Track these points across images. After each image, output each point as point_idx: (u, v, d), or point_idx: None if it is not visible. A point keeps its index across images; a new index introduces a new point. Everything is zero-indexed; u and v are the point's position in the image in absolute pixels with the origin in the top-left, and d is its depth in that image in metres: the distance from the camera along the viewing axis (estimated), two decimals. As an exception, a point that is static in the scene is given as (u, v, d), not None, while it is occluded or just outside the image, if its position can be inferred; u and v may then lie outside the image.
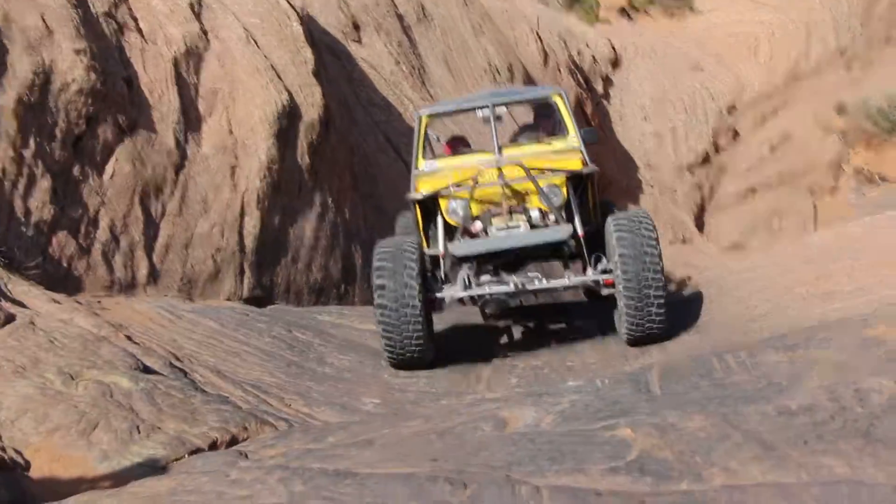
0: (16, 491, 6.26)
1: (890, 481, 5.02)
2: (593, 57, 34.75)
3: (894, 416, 5.57)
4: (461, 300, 10.26)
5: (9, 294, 9.07)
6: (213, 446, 7.34)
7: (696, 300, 12.67)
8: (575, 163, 10.56)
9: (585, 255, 10.25)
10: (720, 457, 5.42)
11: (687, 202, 35.10)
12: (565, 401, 6.73)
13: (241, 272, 13.17)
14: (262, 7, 15.78)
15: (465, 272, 10.03)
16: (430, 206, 10.70)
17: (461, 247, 10.00)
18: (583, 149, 11.06)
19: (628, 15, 42.05)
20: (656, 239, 9.73)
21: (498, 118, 11.23)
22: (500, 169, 10.18)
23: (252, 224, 13.45)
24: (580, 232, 10.16)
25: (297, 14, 16.43)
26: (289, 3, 16.46)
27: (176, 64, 13.42)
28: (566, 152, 10.99)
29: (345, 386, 9.79)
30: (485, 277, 10.12)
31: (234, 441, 7.48)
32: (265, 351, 10.49)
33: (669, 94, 37.01)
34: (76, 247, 11.20)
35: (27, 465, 6.77)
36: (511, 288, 9.91)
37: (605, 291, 10.16)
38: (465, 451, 5.96)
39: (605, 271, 10.02)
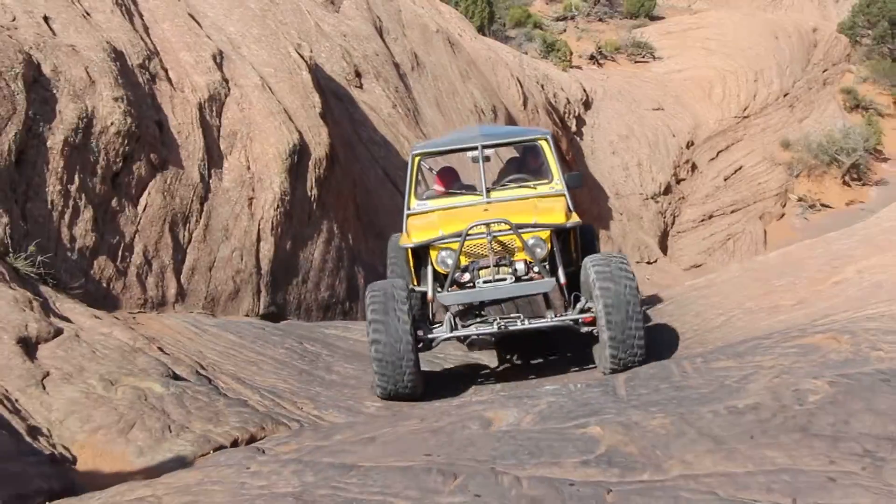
0: (65, 481, 6.36)
1: (824, 469, 5.14)
2: (567, 99, 34.81)
3: (828, 413, 5.67)
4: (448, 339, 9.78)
5: (57, 311, 9.08)
6: (235, 444, 7.39)
7: (660, 315, 12.71)
8: (558, 215, 9.96)
9: (566, 296, 9.75)
10: (678, 450, 5.50)
11: (652, 227, 35.14)
12: (543, 402, 6.80)
13: (258, 291, 13.14)
14: (276, 58, 15.84)
15: (450, 315, 9.58)
16: (420, 252, 10.15)
17: (449, 297, 9.46)
18: (567, 194, 10.56)
19: (598, 61, 42.19)
20: (633, 278, 9.23)
21: (486, 159, 10.76)
22: (488, 225, 9.51)
23: (267, 248, 13.43)
24: (562, 280, 9.68)
25: (306, 64, 16.47)
26: (299, 54, 16.51)
27: (200, 108, 13.46)
28: (550, 198, 10.48)
29: (350, 391, 9.79)
30: (469, 319, 9.66)
31: (252, 439, 7.53)
32: (279, 360, 10.47)
33: (635, 131, 37.10)
34: (114, 269, 11.18)
35: (74, 460, 6.85)
36: (495, 329, 9.37)
37: (584, 329, 9.49)
38: (455, 446, 6.02)
39: (583, 310, 9.46)
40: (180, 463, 6.81)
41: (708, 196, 37.94)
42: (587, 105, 36.01)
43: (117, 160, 11.74)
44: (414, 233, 10.00)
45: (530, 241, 9.46)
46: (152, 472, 6.61)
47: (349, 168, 16.34)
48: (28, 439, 6.71)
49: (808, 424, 5.58)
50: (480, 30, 35.89)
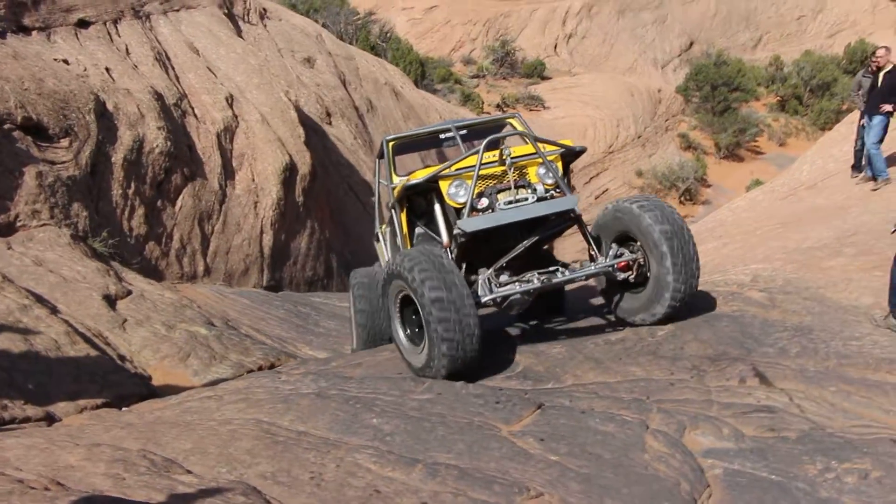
0: (149, 389, 6.85)
1: (667, 378, 5.81)
2: (479, 136, 34.96)
3: (669, 342, 6.35)
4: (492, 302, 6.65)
5: (124, 279, 9.46)
6: (260, 369, 7.84)
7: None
8: (565, 142, 7.37)
9: (589, 235, 7.07)
10: (570, 368, 6.17)
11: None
12: None
13: (262, 270, 13.47)
14: (271, 100, 16.10)
15: (484, 276, 6.66)
16: (415, 203, 7.45)
17: (472, 222, 6.54)
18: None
19: (502, 109, 42.53)
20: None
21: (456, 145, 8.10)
22: (501, 140, 7.08)
23: (268, 239, 13.78)
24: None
25: (293, 105, 16.77)
26: (287, 98, 16.80)
27: (218, 136, 13.81)
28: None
29: (333, 339, 10.17)
30: (503, 278, 6.71)
31: (272, 366, 7.96)
32: (281, 318, 10.83)
33: (529, 161, 37.43)
34: (160, 251, 11.54)
35: (150, 378, 7.28)
36: (538, 284, 6.57)
37: (621, 276, 6.81)
38: None
39: (616, 256, 6.87)
40: (225, 380, 7.18)
41: (584, 210, 38.50)
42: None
43: (160, 172, 12.10)
44: (413, 178, 7.02)
45: (547, 165, 6.94)
46: (206, 386, 6.99)
47: (325, 182, 16.64)
48: (119, 363, 7.12)
49: (657, 349, 6.27)
50: (416, 83, 36.22)
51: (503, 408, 5.46)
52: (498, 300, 6.54)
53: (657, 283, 6.60)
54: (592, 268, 6.78)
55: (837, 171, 13.46)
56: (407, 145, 8.18)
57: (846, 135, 15.24)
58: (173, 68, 14.46)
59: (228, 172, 13.68)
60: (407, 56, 43.51)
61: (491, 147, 6.93)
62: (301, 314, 11.33)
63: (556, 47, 57.48)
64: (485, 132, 8.21)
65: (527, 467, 4.64)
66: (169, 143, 12.22)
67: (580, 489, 4.45)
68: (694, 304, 6.98)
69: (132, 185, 11.37)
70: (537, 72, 52.17)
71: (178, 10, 16.29)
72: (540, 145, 6.95)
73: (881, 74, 11.56)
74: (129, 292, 8.86)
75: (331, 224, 16.17)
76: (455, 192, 6.73)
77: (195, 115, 13.70)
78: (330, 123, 20.05)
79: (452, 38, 57.66)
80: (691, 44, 60.92)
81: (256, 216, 13.65)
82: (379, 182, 8.43)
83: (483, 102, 42.27)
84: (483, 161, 6.76)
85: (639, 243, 6.74)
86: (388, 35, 49.02)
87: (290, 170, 14.67)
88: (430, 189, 6.97)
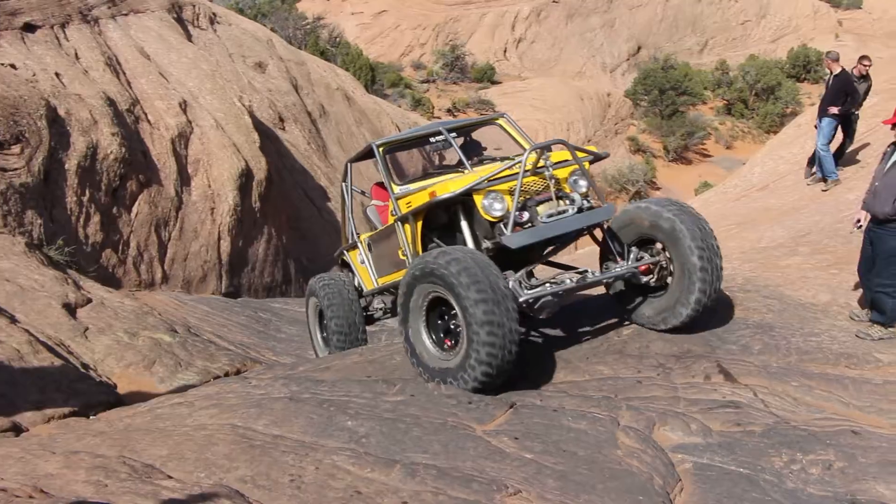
0: (115, 397, 6.80)
1: (634, 375, 5.93)
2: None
3: (635, 341, 6.46)
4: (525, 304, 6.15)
5: (83, 288, 9.33)
6: (227, 375, 7.78)
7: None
8: (590, 148, 6.91)
9: (612, 244, 6.69)
10: (540, 368, 6.27)
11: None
12: None
13: (220, 276, 13.39)
14: (225, 106, 16.01)
15: (517, 279, 6.18)
16: (433, 215, 6.78)
17: (518, 238, 6.13)
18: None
19: (453, 114, 42.72)
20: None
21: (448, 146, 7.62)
22: (543, 150, 6.37)
23: (225, 245, 13.69)
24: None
25: (247, 110, 16.69)
26: (241, 103, 16.72)
27: (173, 142, 13.69)
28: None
29: (296, 344, 10.13)
30: (534, 281, 6.36)
31: (238, 372, 7.91)
32: (242, 324, 10.76)
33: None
34: (117, 259, 11.43)
35: (115, 386, 7.21)
36: (573, 284, 6.27)
37: (643, 280, 6.56)
38: (387, 370, 6.52)
39: (637, 259, 6.56)
40: (193, 387, 7.03)
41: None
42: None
43: (115, 179, 11.98)
44: (438, 189, 6.42)
45: (578, 171, 6.60)
46: (173, 393, 6.96)
47: (281, 188, 16.57)
48: (83, 371, 7.06)
49: (623, 348, 6.39)
50: (366, 88, 36.25)
51: (476, 408, 5.53)
52: (531, 301, 6.07)
53: (681, 287, 6.34)
54: (619, 269, 6.46)
55: (788, 172, 13.79)
56: (395, 149, 7.71)
57: (795, 137, 15.62)
58: (125, 73, 14.31)
59: (184, 178, 13.57)
60: (357, 61, 43.53)
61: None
62: (262, 320, 11.30)
63: (505, 52, 57.88)
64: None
65: (503, 465, 4.72)
66: (123, 150, 12.11)
67: (556, 486, 4.54)
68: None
69: (87, 191, 11.25)
70: (487, 76, 52.51)
71: (126, 15, 16.13)
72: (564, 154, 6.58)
73: (830, 78, 11.89)
74: (89, 300, 8.77)
75: (288, 230, 16.11)
76: (490, 205, 6.26)
77: (149, 121, 13.58)
78: (283, 129, 19.96)
79: (402, 42, 57.78)
80: (639, 48, 61.76)
81: (213, 222, 13.58)
82: (351, 190, 8.21)
83: (433, 107, 42.52)
84: (515, 169, 6.31)
85: (659, 245, 6.51)
86: (338, 40, 49.00)
87: (246, 175, 14.60)
88: (455, 201, 6.42)
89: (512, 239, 6.08)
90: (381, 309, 8.30)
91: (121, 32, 15.43)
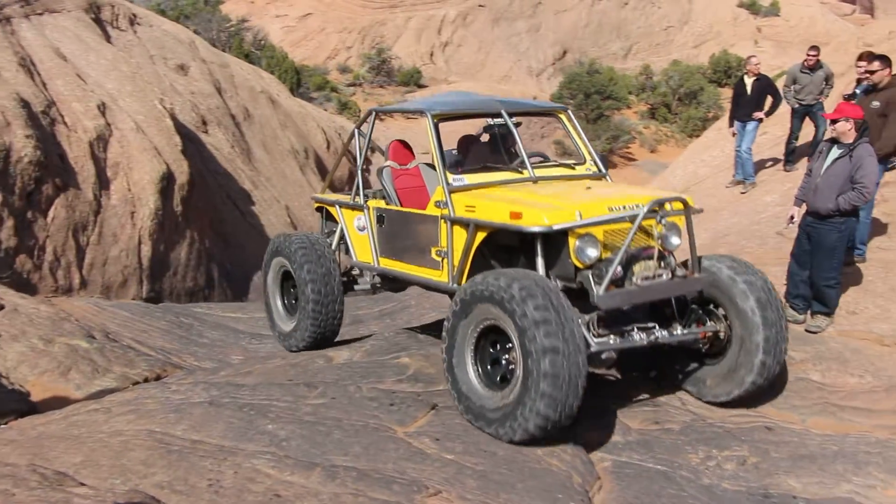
0: (28, 406, 6.60)
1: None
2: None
3: None
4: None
5: None
6: (146, 380, 7.58)
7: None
8: (689, 199, 6.00)
9: (675, 305, 6.09)
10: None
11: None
12: (367, 344, 7.35)
13: (141, 281, 13.14)
14: (145, 108, 15.70)
15: (588, 322, 5.50)
16: (499, 240, 6.01)
17: (613, 298, 5.47)
18: (608, 177, 6.84)
19: (380, 118, 42.68)
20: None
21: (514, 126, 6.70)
22: (662, 205, 5.68)
23: (146, 250, 13.43)
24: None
25: (168, 113, 16.38)
26: (162, 106, 16.41)
27: (91, 145, 13.40)
28: (597, 181, 6.67)
29: (218, 349, 9.92)
30: (602, 329, 5.60)
31: (158, 377, 7.72)
32: (163, 329, 10.48)
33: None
34: (32, 264, 11.14)
35: (29, 394, 6.98)
36: (644, 342, 5.67)
37: (700, 346, 6.08)
38: (309, 374, 6.50)
39: (699, 323, 6.04)
40: (111, 393, 6.90)
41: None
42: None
43: (30, 182, 11.69)
44: (533, 216, 5.53)
45: (674, 230, 5.91)
46: (91, 399, 6.68)
47: (204, 191, 16.34)
48: (-6, 379, 6.88)
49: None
50: (292, 91, 35.99)
51: (398, 410, 5.58)
52: (604, 356, 5.46)
53: (742, 357, 5.91)
54: (680, 333, 5.92)
55: (707, 175, 14.14)
56: (445, 119, 6.69)
57: (716, 140, 16.03)
58: (40, 74, 13.95)
59: (103, 182, 13.31)
60: (282, 64, 43.26)
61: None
62: (184, 325, 11.10)
63: (432, 55, 58.11)
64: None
65: (424, 466, 4.77)
66: (38, 153, 11.82)
67: (477, 485, 4.60)
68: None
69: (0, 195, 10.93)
70: (414, 80, 52.70)
71: (41, 14, 15.76)
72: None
73: (751, 82, 12.20)
74: (2, 307, 8.54)
75: (211, 234, 15.89)
76: (581, 250, 5.52)
77: (65, 124, 13.28)
78: (206, 132, 19.65)
79: (328, 46, 57.58)
80: (564, 53, 62.59)
81: (134, 227, 13.35)
82: (360, 151, 7.59)
83: (360, 110, 42.31)
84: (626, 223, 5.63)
85: (721, 310, 6.00)
86: (262, 43, 48.61)
87: (168, 179, 14.39)
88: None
89: (605, 300, 5.42)
90: (370, 283, 7.69)
91: (35, 32, 15.06)
